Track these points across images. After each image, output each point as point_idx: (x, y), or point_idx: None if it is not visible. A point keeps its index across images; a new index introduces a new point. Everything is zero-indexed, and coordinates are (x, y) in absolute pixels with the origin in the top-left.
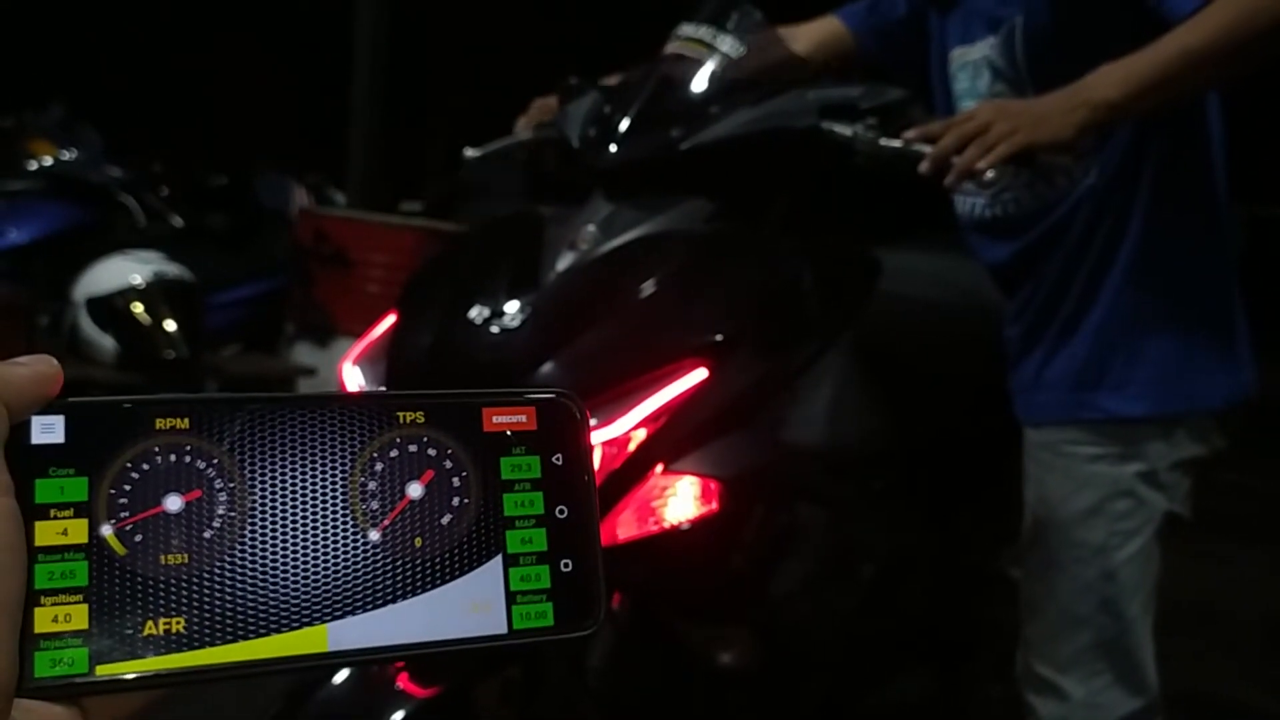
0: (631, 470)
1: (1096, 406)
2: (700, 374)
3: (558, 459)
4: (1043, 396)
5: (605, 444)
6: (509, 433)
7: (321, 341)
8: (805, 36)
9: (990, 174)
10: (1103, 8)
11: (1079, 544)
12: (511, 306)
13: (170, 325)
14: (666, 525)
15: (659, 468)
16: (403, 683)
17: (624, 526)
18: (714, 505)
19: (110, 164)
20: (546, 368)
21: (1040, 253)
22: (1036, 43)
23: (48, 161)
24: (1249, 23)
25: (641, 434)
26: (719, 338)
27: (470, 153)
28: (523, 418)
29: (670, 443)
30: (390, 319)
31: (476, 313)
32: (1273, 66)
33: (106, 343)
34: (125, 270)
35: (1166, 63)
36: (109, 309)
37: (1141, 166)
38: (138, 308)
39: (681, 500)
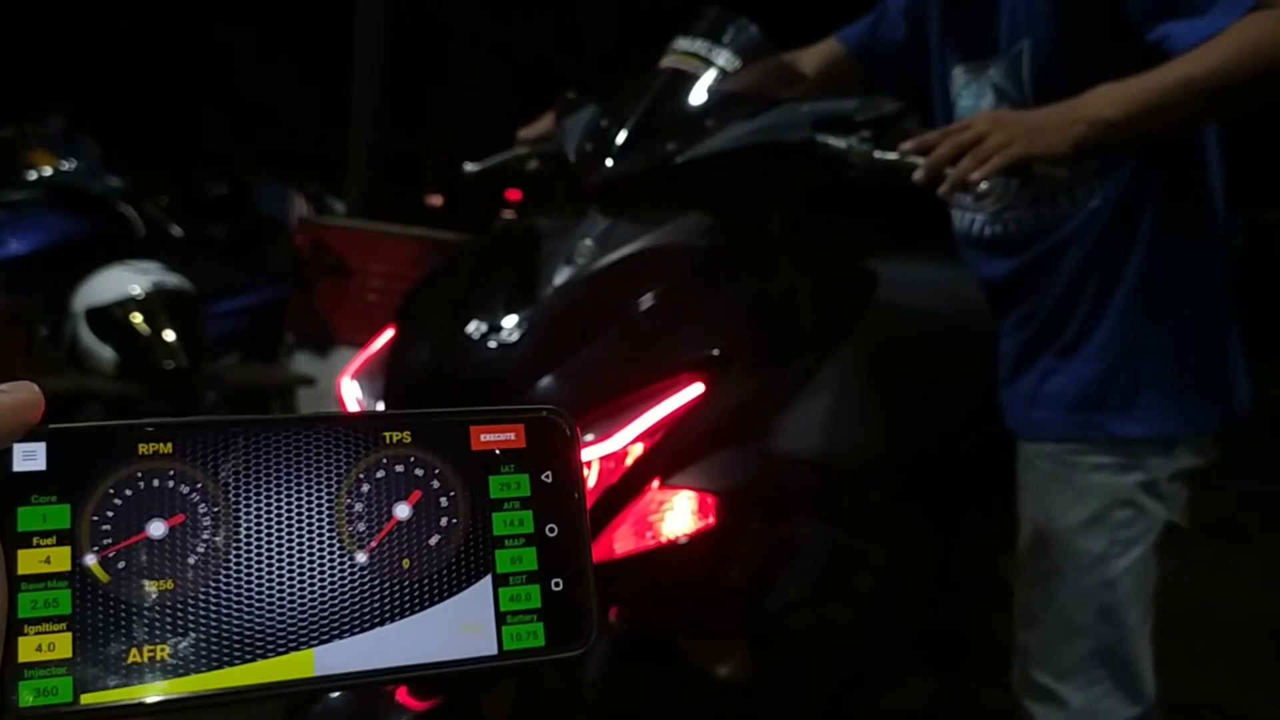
0: (628, 485)
1: (1098, 427)
2: (697, 388)
3: (547, 477)
4: (1041, 414)
5: (602, 459)
6: (497, 451)
7: (321, 351)
8: (808, 60)
9: (984, 185)
10: (1109, 37)
11: (1079, 553)
12: (509, 321)
13: (169, 335)
14: (663, 539)
15: (656, 482)
16: (401, 696)
17: (621, 541)
18: (711, 519)
19: (110, 174)
20: (544, 382)
21: (1041, 271)
22: (1043, 68)
23: (47, 172)
24: (1253, 58)
25: (638, 449)
26: (715, 352)
27: (470, 167)
28: (511, 435)
29: (667, 457)
30: (389, 333)
31: (474, 327)
32: (1271, 106)
33: (106, 353)
34: (124, 280)
35: (1167, 89)
36: (108, 319)
37: (1147, 190)
38: (137, 318)
39: (678, 514)
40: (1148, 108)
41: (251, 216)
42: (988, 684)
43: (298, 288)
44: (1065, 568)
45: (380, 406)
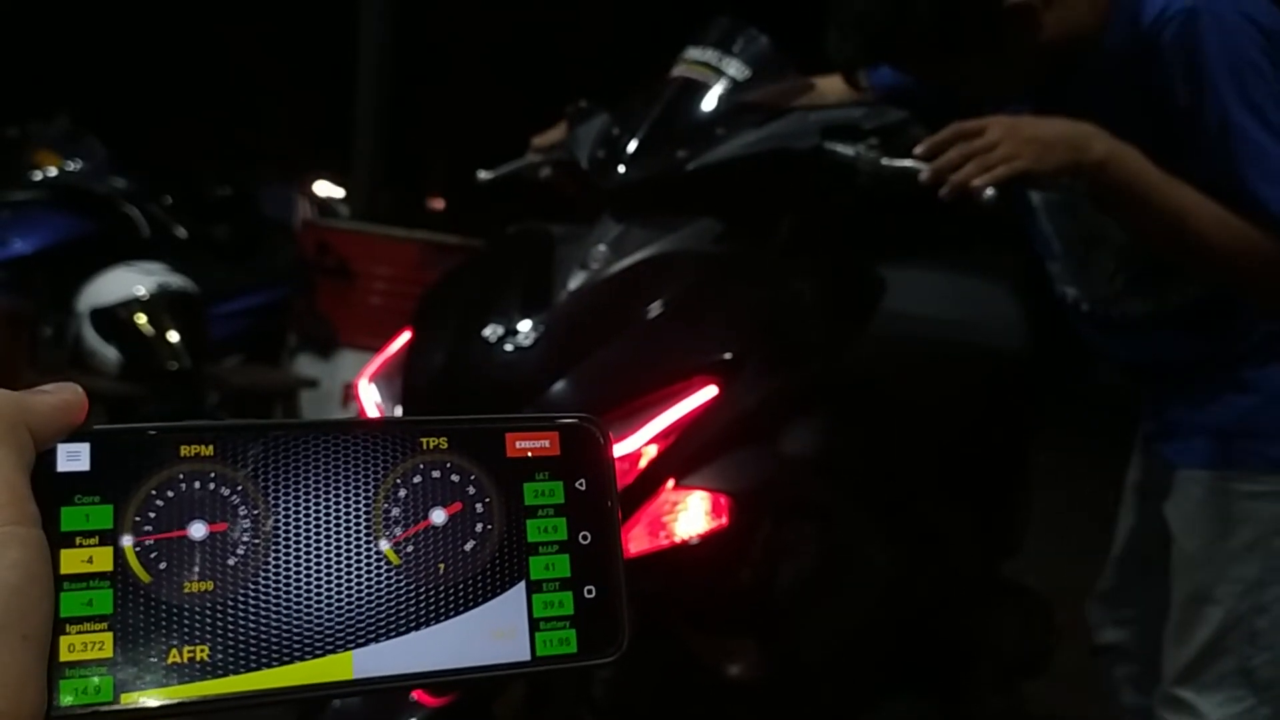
0: (643, 486)
1: (1258, 454)
2: (710, 391)
3: (581, 484)
4: (1199, 442)
5: (617, 460)
6: (532, 457)
7: (324, 353)
8: (830, 88)
9: (989, 193)
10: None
11: (1233, 579)
12: (525, 325)
13: (173, 336)
14: (677, 539)
15: (670, 483)
16: (416, 693)
17: (635, 541)
18: (724, 520)
19: (114, 175)
20: (559, 385)
21: (1172, 340)
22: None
23: (52, 172)
24: (1231, 257)
25: (653, 450)
26: (728, 356)
27: (483, 175)
28: (546, 443)
29: (681, 458)
30: (405, 336)
31: (490, 331)
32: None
33: (110, 354)
34: (129, 281)
35: (1163, 200)
36: (112, 320)
37: None
38: (141, 319)
39: (692, 515)
40: (1138, 197)
41: (255, 218)
42: (991, 689)
43: (301, 290)
44: (1219, 593)
45: (398, 409)
